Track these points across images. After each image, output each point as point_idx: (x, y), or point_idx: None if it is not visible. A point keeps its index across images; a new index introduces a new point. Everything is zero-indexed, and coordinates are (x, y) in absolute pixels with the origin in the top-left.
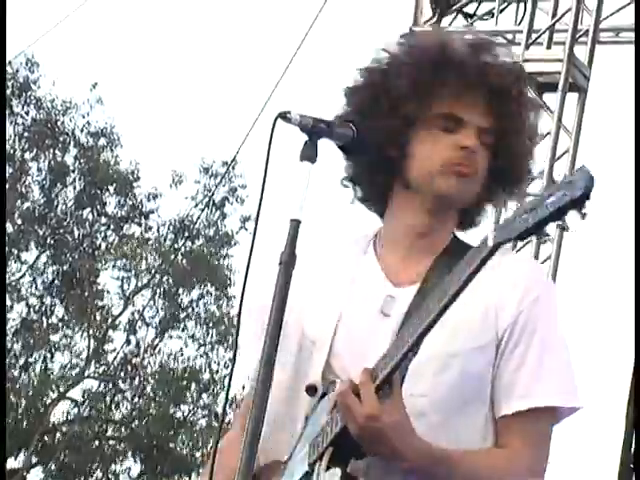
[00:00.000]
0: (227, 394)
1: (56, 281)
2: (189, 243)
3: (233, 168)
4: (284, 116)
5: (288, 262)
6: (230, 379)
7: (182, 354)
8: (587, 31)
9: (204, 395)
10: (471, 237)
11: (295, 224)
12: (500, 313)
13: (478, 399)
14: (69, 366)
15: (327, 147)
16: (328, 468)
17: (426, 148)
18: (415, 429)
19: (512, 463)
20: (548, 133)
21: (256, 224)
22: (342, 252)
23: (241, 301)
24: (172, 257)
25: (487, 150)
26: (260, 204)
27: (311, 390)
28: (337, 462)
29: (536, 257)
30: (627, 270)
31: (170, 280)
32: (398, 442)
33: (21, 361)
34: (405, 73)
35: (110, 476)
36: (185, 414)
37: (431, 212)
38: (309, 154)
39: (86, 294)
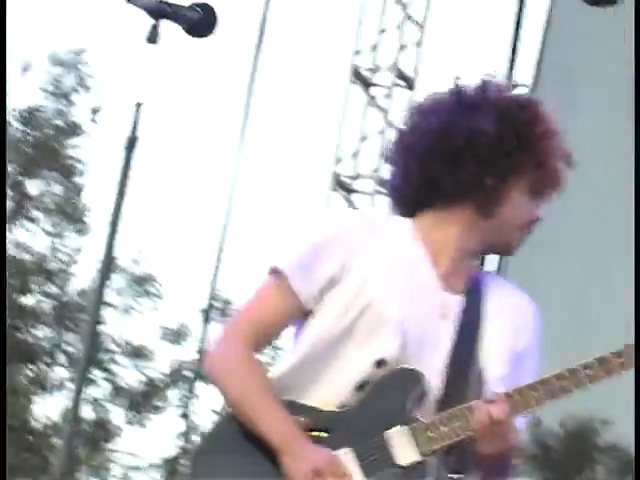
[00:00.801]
0: (72, 283)
1: None
2: (36, 132)
3: (81, 57)
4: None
5: (132, 142)
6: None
7: (29, 244)
8: None
9: (51, 284)
10: None
11: (138, 107)
12: (518, 342)
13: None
14: None
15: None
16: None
17: (515, 205)
18: None
19: None
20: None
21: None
22: (382, 235)
23: (84, 189)
24: (19, 146)
25: None
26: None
27: (381, 363)
28: (455, 467)
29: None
30: None
31: (17, 169)
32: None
33: None
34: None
35: None
36: (33, 303)
37: (485, 247)
38: (153, 36)
39: None
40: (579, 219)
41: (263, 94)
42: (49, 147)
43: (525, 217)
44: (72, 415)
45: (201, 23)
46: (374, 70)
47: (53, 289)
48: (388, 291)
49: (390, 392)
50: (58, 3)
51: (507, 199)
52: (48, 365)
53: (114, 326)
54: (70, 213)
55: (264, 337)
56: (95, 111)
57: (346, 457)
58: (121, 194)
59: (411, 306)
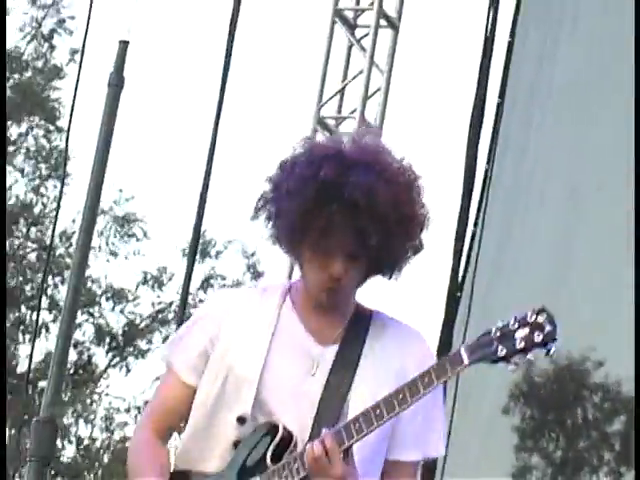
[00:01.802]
0: (54, 227)
1: None
2: (17, 75)
3: None
4: None
5: (117, 83)
6: (57, 212)
7: (11, 188)
8: None
9: (33, 229)
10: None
11: (123, 45)
12: (401, 381)
13: (384, 441)
14: None
15: None
16: None
17: (309, 267)
18: None
19: None
20: (361, 71)
21: (82, 54)
22: (257, 301)
23: (67, 132)
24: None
25: (359, 262)
26: (87, 27)
27: (241, 420)
28: None
29: (366, 91)
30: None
31: None
32: None
33: None
34: (290, 199)
35: None
36: (15, 248)
37: (322, 306)
38: None
39: None
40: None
41: (247, 34)
42: (31, 90)
43: (319, 278)
44: (58, 358)
45: None
46: (358, 11)
47: (36, 234)
48: (249, 354)
49: (253, 446)
50: None
51: (303, 260)
52: (31, 309)
53: (97, 268)
54: (52, 157)
55: (168, 423)
56: (75, 52)
57: None
58: (107, 134)
59: (280, 364)
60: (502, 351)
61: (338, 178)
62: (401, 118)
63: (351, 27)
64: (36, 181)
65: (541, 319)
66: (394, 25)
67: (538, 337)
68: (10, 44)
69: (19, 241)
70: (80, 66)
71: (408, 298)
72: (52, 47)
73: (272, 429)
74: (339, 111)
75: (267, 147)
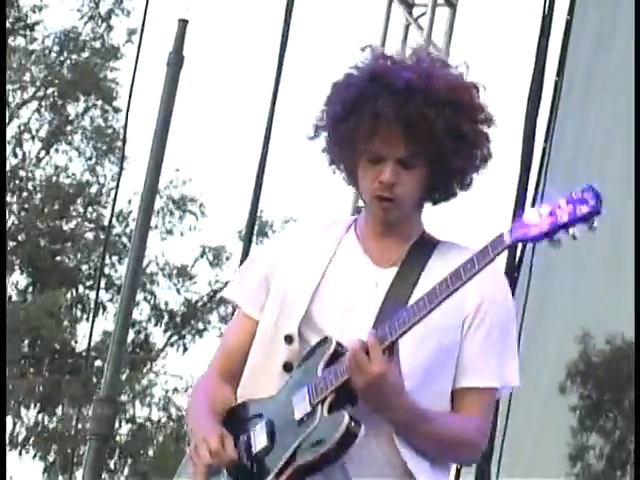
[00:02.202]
0: (113, 207)
1: None
2: (75, 55)
3: None
4: None
5: (176, 62)
6: (116, 193)
7: (68, 168)
8: None
9: (90, 209)
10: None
11: (183, 24)
12: (465, 302)
13: (446, 370)
14: None
15: None
16: (330, 411)
17: (362, 178)
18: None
19: (468, 426)
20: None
21: (141, 35)
22: (320, 234)
23: (127, 112)
24: (57, 69)
25: (414, 170)
26: (146, 6)
27: (289, 339)
28: (337, 407)
29: None
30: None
31: (56, 93)
32: (393, 397)
33: None
34: (339, 102)
35: None
36: (72, 227)
37: (382, 223)
38: None
39: None
40: None
41: (304, 12)
42: (88, 70)
43: (370, 186)
44: (118, 337)
45: None
46: None
47: (93, 214)
48: (302, 280)
49: (306, 363)
50: None
51: (357, 178)
52: (89, 288)
53: (154, 247)
54: (109, 137)
55: (232, 365)
56: (132, 33)
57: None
58: (166, 114)
59: (334, 286)
60: (545, 227)
61: (388, 70)
62: None
63: (408, 6)
64: (92, 160)
65: (587, 195)
66: (451, 3)
67: (581, 211)
68: (67, 25)
69: (76, 221)
70: (139, 46)
71: None
72: (109, 27)
73: (324, 344)
74: None
75: None
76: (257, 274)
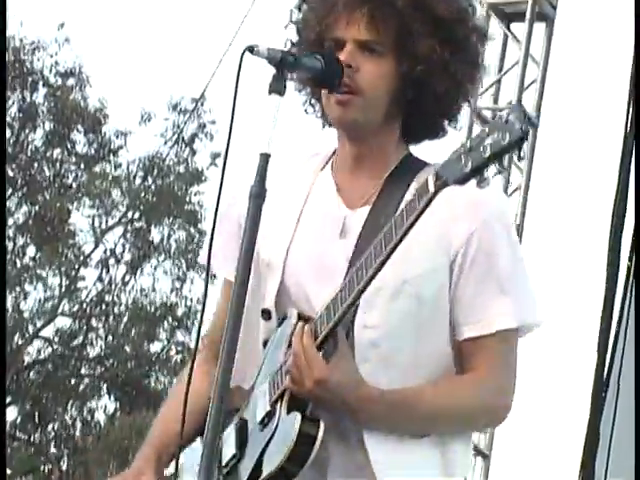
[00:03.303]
0: (199, 331)
1: (29, 221)
2: (159, 180)
3: (202, 104)
4: (252, 50)
5: (258, 195)
6: (202, 314)
7: (154, 290)
8: None
9: (178, 331)
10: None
11: (264, 158)
12: (452, 236)
13: (435, 324)
14: (42, 305)
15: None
16: (289, 410)
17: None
18: (364, 368)
19: (481, 386)
20: (516, 63)
21: (225, 159)
22: (298, 170)
23: (211, 240)
24: (142, 194)
25: (380, 60)
26: (229, 139)
27: (265, 314)
28: (297, 403)
29: (506, 189)
30: (600, 199)
31: (141, 217)
32: (348, 397)
33: None
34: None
35: (85, 414)
36: (159, 350)
37: (351, 139)
38: (277, 87)
39: (57, 233)
40: None
41: None
42: (172, 194)
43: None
44: (207, 451)
45: (324, 73)
46: (513, 4)
47: (180, 336)
48: (275, 235)
49: (272, 346)
50: (178, 51)
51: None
52: None
53: None
54: (195, 259)
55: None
56: (216, 156)
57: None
58: (250, 243)
59: (305, 240)
60: (468, 165)
61: None
62: (558, 109)
63: (507, 19)
64: (178, 282)
65: (512, 117)
66: (549, 17)
67: (504, 140)
68: (152, 150)
69: (163, 343)
70: (223, 171)
71: None
72: (193, 151)
73: (286, 320)
74: (495, 102)
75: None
76: (229, 226)
